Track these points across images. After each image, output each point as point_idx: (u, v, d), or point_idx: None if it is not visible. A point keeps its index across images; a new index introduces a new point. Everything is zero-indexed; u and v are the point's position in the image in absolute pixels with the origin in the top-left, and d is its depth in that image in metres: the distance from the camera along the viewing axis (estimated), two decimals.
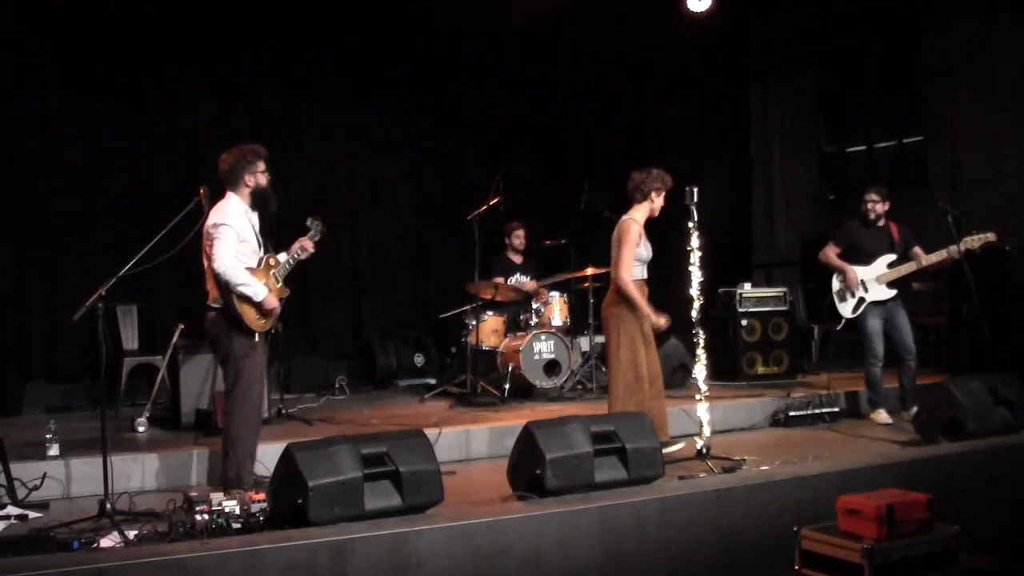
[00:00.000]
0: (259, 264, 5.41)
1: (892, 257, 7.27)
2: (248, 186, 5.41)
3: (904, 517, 3.91)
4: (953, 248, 6.99)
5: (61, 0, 8.25)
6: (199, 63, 8.87)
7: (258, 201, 5.46)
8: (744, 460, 5.82)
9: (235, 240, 5.25)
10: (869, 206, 7.36)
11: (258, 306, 5.29)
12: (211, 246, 5.23)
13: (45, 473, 5.43)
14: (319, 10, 9.45)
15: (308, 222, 5.74)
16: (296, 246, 5.59)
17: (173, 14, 8.72)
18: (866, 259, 7.31)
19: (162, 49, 8.67)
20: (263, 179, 5.43)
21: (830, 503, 4.15)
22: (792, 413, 7.50)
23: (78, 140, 8.35)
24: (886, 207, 7.38)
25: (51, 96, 8.26)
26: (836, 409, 7.63)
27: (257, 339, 5.33)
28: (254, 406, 5.36)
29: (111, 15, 8.44)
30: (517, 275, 8.97)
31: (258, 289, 5.27)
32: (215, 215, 5.30)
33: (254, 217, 5.51)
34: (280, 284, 5.49)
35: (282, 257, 5.59)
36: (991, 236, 7.00)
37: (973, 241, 6.99)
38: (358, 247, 9.82)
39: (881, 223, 7.38)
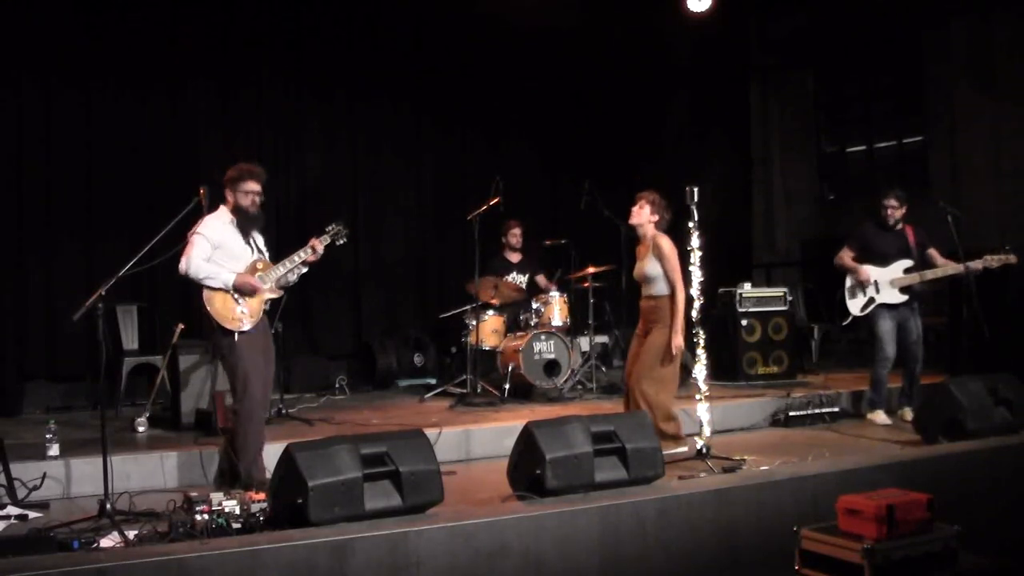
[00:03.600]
0: (246, 268, 5.53)
1: (909, 263, 7.25)
2: (229, 202, 5.58)
3: (904, 517, 3.91)
4: (975, 263, 6.98)
5: None
6: (199, 58, 8.86)
7: (239, 218, 5.58)
8: (744, 460, 5.82)
9: (207, 247, 5.42)
10: (889, 212, 7.29)
11: (233, 303, 5.41)
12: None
13: (45, 473, 5.43)
14: (319, 6, 9.44)
15: (328, 227, 5.85)
16: (307, 246, 5.70)
17: (174, 7, 8.72)
18: (880, 261, 7.28)
19: (163, 44, 8.65)
20: (244, 199, 5.55)
21: (830, 503, 4.15)
22: (792, 413, 7.50)
23: (78, 138, 8.34)
24: (903, 211, 7.33)
25: (51, 88, 8.25)
26: (836, 409, 7.63)
27: (239, 338, 5.39)
28: (253, 402, 5.43)
29: (111, 5, 8.43)
30: (514, 274, 8.96)
31: (224, 278, 5.41)
32: (197, 225, 5.50)
33: (255, 225, 5.65)
34: (269, 286, 5.58)
35: (283, 262, 5.67)
36: (1012, 258, 6.99)
37: (993, 260, 6.98)
38: (358, 247, 9.81)
39: (898, 227, 7.35)
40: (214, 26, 8.96)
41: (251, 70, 9.22)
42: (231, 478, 5.43)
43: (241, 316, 5.43)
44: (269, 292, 5.59)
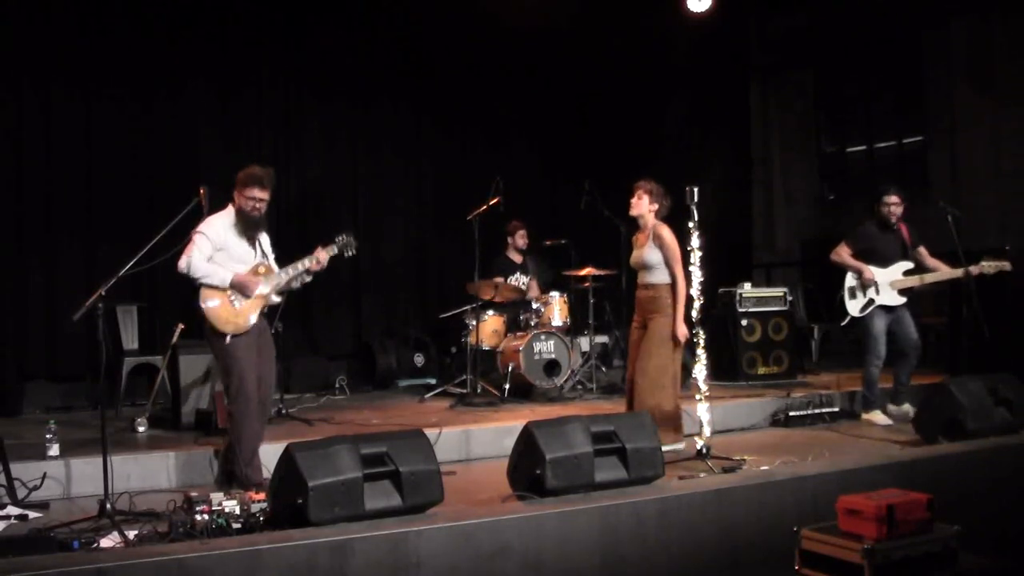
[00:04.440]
0: (248, 271, 5.50)
1: (908, 265, 7.22)
2: (235, 203, 5.53)
3: (904, 517, 3.91)
4: (971, 269, 6.97)
5: None
6: (199, 59, 8.85)
7: (240, 222, 5.53)
8: (744, 460, 5.82)
9: (207, 246, 5.39)
10: (891, 208, 7.23)
11: (229, 304, 5.37)
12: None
13: (45, 473, 5.43)
14: (319, 6, 9.44)
15: (338, 237, 5.77)
16: (312, 255, 5.65)
17: (174, 8, 8.70)
18: (881, 262, 7.23)
19: (163, 44, 8.64)
20: (246, 204, 5.48)
21: (830, 503, 4.15)
22: (792, 413, 7.50)
23: (78, 137, 8.32)
24: (903, 209, 7.28)
25: (50, 89, 8.23)
26: (836, 409, 7.63)
27: (231, 340, 5.36)
28: (248, 403, 5.39)
29: (112, 7, 8.42)
30: (517, 274, 8.96)
31: (222, 276, 5.39)
32: (200, 223, 5.48)
33: (255, 230, 5.61)
34: (268, 290, 5.51)
35: (286, 268, 5.63)
36: (1007, 265, 6.99)
37: (989, 267, 6.97)
38: (358, 247, 9.79)
39: (896, 226, 7.31)
40: (214, 27, 8.94)
41: (251, 71, 9.22)
42: (231, 478, 5.42)
43: (234, 319, 5.39)
44: (266, 298, 5.52)
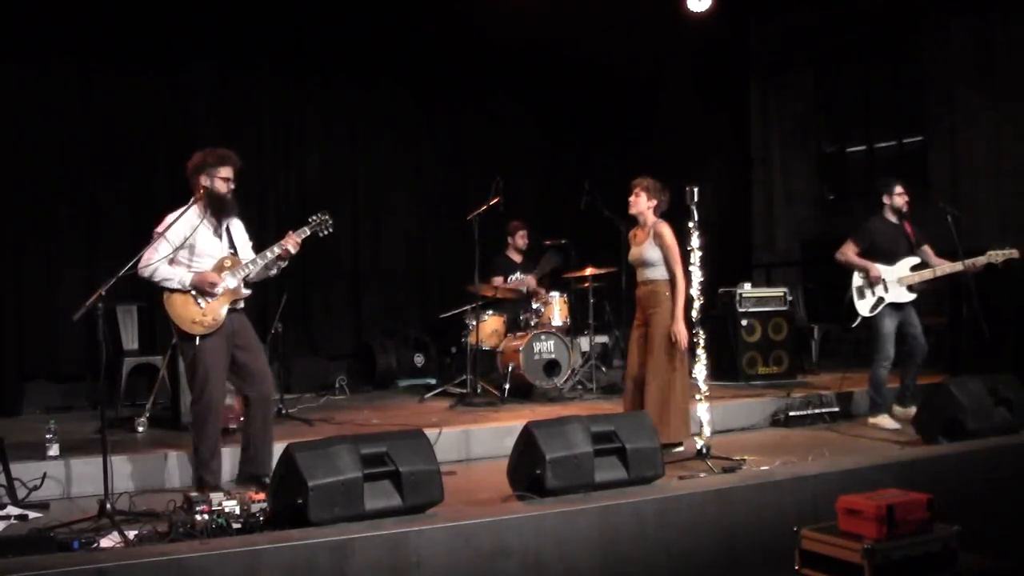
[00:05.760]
0: (214, 266, 5.39)
1: (915, 260, 7.15)
2: (203, 187, 5.35)
3: (904, 517, 3.91)
4: (980, 259, 6.91)
5: None
6: (199, 55, 8.84)
7: (212, 205, 5.38)
8: (744, 460, 5.82)
9: (167, 249, 5.25)
10: (905, 199, 7.18)
11: (193, 305, 5.28)
12: None
13: (45, 473, 5.43)
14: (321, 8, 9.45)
15: (311, 217, 5.63)
16: (281, 241, 5.49)
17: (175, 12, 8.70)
18: (887, 259, 7.14)
19: (163, 38, 8.62)
20: (220, 185, 5.35)
21: (830, 503, 4.15)
22: (792, 413, 7.50)
23: (77, 137, 8.28)
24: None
25: (52, 85, 8.22)
26: (836, 409, 7.63)
27: (199, 342, 5.28)
28: (207, 408, 5.34)
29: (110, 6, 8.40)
30: (516, 274, 8.96)
31: (182, 278, 5.28)
32: (161, 224, 5.33)
33: (229, 221, 5.51)
34: (236, 284, 5.39)
35: (254, 259, 5.50)
36: (1015, 253, 6.89)
37: (997, 256, 6.89)
38: (358, 247, 9.83)
39: (898, 220, 7.25)
40: (214, 18, 8.84)
41: (252, 69, 9.21)
42: (247, 478, 5.42)
43: (201, 319, 5.29)
44: (234, 292, 5.39)
